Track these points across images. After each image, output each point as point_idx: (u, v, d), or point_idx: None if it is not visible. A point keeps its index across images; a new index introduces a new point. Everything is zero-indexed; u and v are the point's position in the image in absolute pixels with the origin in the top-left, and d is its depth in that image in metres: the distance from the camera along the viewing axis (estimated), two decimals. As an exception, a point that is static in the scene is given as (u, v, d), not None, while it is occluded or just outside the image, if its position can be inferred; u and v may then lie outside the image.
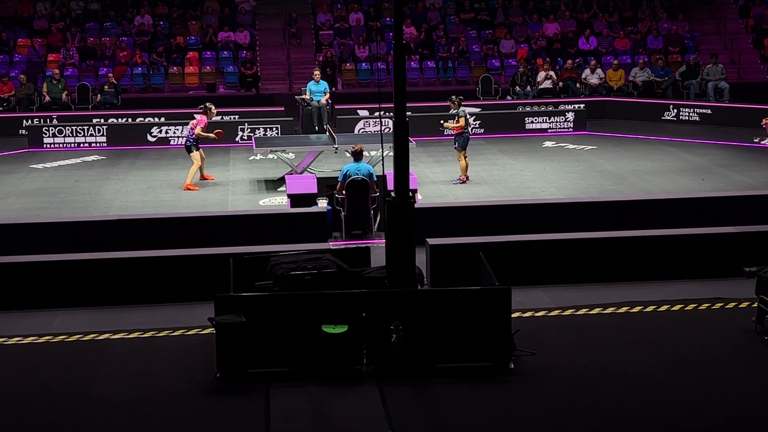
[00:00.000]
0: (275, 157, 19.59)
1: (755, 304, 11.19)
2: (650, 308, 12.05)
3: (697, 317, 11.78)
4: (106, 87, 27.51)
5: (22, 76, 27.78)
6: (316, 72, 25.89)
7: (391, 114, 10.57)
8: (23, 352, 10.95)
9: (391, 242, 10.45)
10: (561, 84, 28.64)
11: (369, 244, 13.80)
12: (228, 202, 17.94)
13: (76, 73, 28.88)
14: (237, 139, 24.44)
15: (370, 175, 15.52)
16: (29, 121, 25.72)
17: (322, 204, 15.82)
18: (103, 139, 24.42)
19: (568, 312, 11.98)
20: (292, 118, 25.42)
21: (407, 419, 9.16)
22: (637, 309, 12.04)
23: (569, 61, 29.29)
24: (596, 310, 12.03)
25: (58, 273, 12.40)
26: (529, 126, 25.52)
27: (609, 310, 12.02)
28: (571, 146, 23.47)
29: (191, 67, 29.56)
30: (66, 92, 27.55)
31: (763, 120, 20.45)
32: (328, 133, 21.32)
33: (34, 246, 13.52)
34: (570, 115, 25.72)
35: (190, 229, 14.41)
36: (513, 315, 10.37)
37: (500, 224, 14.31)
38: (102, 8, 31.28)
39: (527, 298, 12.19)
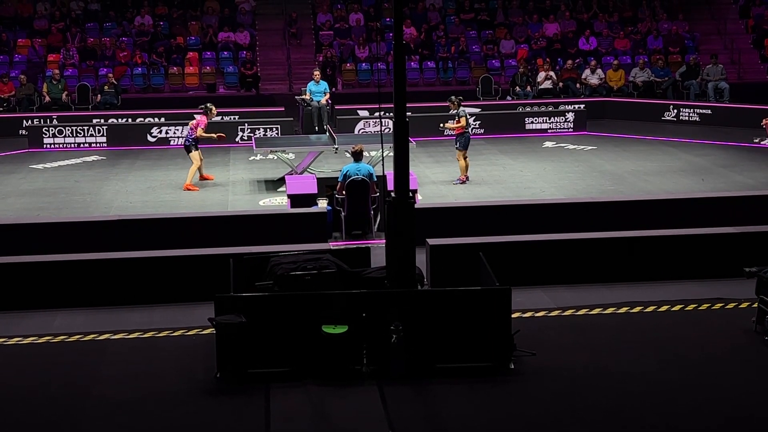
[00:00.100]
0: (275, 157, 19.59)
1: (755, 305, 11.19)
2: (650, 308, 12.06)
3: (697, 317, 11.78)
4: (106, 87, 27.52)
5: (22, 77, 27.79)
6: (316, 72, 25.89)
7: (391, 114, 10.57)
8: (23, 353, 10.95)
9: (391, 242, 10.45)
10: (561, 84, 28.64)
11: (369, 245, 13.80)
12: (228, 203, 17.94)
13: (76, 73, 28.89)
14: (237, 139, 24.44)
15: (370, 175, 15.52)
16: (29, 122, 25.73)
17: (322, 204, 15.82)
18: (103, 139, 24.42)
19: (568, 312, 11.98)
20: (292, 119, 25.42)
21: (407, 419, 9.16)
22: (637, 309, 12.04)
23: (569, 62, 29.31)
24: (596, 311, 12.03)
25: (58, 273, 12.40)
26: (529, 126, 25.52)
27: (609, 311, 12.02)
28: (571, 146, 23.48)
29: (191, 68, 29.57)
30: (66, 92, 27.55)
31: (763, 120, 20.47)
32: (328, 134, 21.32)
33: (35, 246, 13.52)
34: (570, 116, 25.72)
35: (190, 229, 14.42)
36: (513, 315, 10.37)
37: (500, 224, 14.31)
38: (102, 8, 31.29)
39: (527, 298, 12.19)
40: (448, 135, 22.12)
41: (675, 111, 27.04)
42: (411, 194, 10.50)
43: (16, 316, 11.96)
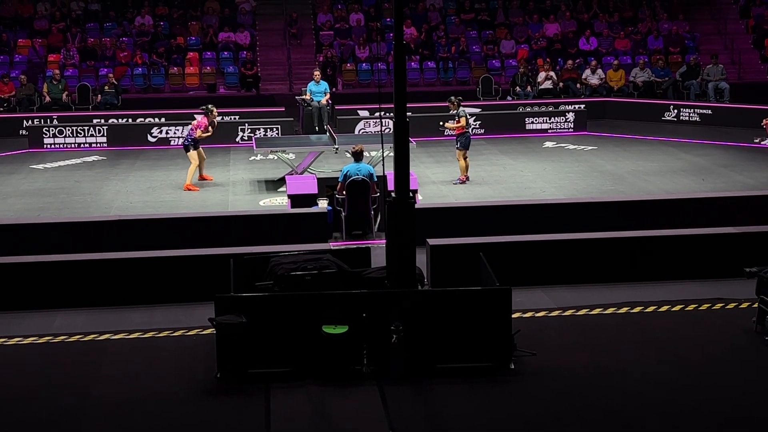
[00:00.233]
0: (275, 157, 19.59)
1: (756, 305, 11.19)
2: (650, 308, 12.05)
3: (697, 317, 11.78)
4: (106, 87, 27.52)
5: (23, 77, 27.79)
6: (317, 72, 25.90)
7: (392, 114, 10.57)
8: (24, 353, 10.95)
9: (392, 242, 10.45)
10: (561, 84, 28.64)
11: (369, 245, 13.80)
12: (228, 203, 17.94)
13: (76, 73, 28.88)
14: (237, 139, 24.44)
15: (371, 175, 15.52)
16: (30, 122, 25.73)
17: (323, 204, 15.83)
18: (104, 139, 24.42)
19: (569, 312, 11.98)
20: (292, 119, 25.42)
21: (408, 419, 9.16)
22: (637, 309, 12.04)
23: (569, 62, 29.30)
24: (596, 311, 12.03)
25: (59, 273, 12.40)
26: (529, 126, 25.51)
27: (609, 311, 12.02)
28: (571, 146, 23.48)
29: (191, 68, 29.57)
30: (66, 93, 27.55)
31: (764, 120, 20.48)
32: (328, 134, 21.33)
33: (35, 246, 13.52)
34: (570, 116, 25.72)
35: (190, 229, 14.42)
36: (513, 315, 10.37)
37: (500, 225, 14.31)
38: (102, 9, 31.28)
39: (527, 298, 12.19)
40: (448, 135, 22.12)
41: (675, 111, 27.04)
42: (411, 194, 10.50)
43: (17, 316, 11.96)
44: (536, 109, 26.66)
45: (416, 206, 10.60)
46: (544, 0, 32.09)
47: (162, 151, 23.58)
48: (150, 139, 24.52)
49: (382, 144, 12.79)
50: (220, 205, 17.65)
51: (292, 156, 19.07)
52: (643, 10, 31.93)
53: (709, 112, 26.65)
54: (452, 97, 19.49)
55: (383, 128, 14.81)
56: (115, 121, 25.76)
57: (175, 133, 24.36)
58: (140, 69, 29.24)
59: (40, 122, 25.61)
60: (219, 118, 20.33)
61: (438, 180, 19.49)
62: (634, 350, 10.71)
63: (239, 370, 9.96)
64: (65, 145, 24.22)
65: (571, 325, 11.57)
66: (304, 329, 9.95)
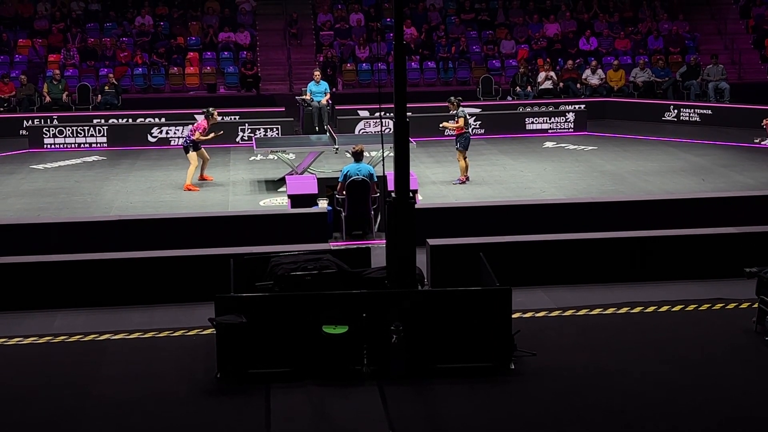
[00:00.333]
0: (276, 157, 19.59)
1: (756, 305, 11.19)
2: (651, 309, 12.05)
3: (697, 318, 11.78)
4: (106, 87, 27.53)
5: (23, 77, 27.79)
6: (317, 72, 25.89)
7: (392, 114, 10.57)
8: (24, 353, 10.95)
9: (392, 243, 10.45)
10: (561, 84, 28.64)
11: (369, 245, 13.80)
12: (228, 203, 17.94)
13: (76, 73, 28.89)
14: (237, 139, 24.44)
15: (371, 175, 15.52)
16: (30, 122, 25.73)
17: (323, 204, 15.83)
18: (104, 139, 24.42)
19: (569, 312, 11.98)
20: (292, 119, 25.42)
21: (408, 420, 9.16)
22: (637, 309, 12.04)
23: (570, 62, 29.31)
24: (596, 311, 12.03)
25: (59, 273, 12.40)
26: (529, 126, 25.51)
27: (609, 311, 12.02)
28: (571, 147, 23.47)
29: (192, 68, 29.58)
30: (66, 93, 27.55)
31: (764, 120, 20.49)
32: (328, 134, 21.33)
33: (35, 246, 13.53)
34: (570, 116, 25.72)
35: (190, 229, 14.42)
36: (513, 315, 10.37)
37: (501, 225, 14.31)
38: (102, 9, 31.29)
39: (528, 298, 12.19)
40: (448, 135, 22.11)
41: (675, 111, 27.03)
42: (411, 194, 10.50)
43: (17, 317, 11.96)
44: (536, 109, 26.65)
45: (416, 206, 10.60)
46: (545, 0, 32.09)
47: (162, 151, 23.58)
48: (150, 139, 24.52)
49: (382, 144, 12.78)
50: (221, 205, 17.65)
51: (292, 156, 19.07)
52: (644, 10, 31.94)
53: (710, 112, 26.65)
54: (452, 98, 19.49)
55: (383, 128, 14.83)
56: (116, 121, 25.76)
57: (175, 133, 24.36)
58: (140, 69, 29.24)
59: (41, 122, 25.61)
60: (219, 119, 20.30)
61: (438, 180, 19.49)
62: (634, 350, 10.71)
63: (239, 370, 9.96)
64: (65, 145, 24.22)
65: (571, 325, 11.57)
66: (304, 329, 9.95)
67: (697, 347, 10.80)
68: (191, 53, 29.95)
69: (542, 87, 28.36)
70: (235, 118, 25.31)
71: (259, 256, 11.26)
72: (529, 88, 28.24)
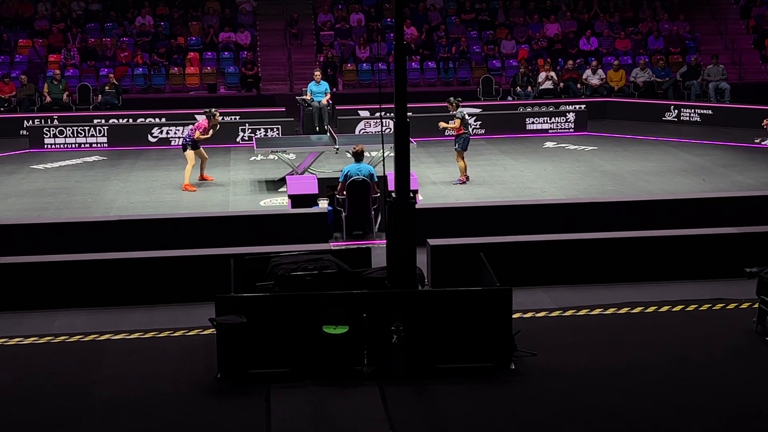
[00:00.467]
0: (276, 157, 19.60)
1: (756, 305, 11.19)
2: (651, 309, 12.05)
3: (697, 318, 11.78)
4: (107, 87, 27.53)
5: (23, 77, 27.79)
6: (317, 72, 25.89)
7: (392, 114, 10.58)
8: (24, 353, 10.95)
9: (392, 243, 10.45)
10: (562, 84, 28.64)
11: (370, 245, 13.81)
12: (229, 203, 17.95)
13: (77, 73, 28.89)
14: (238, 139, 24.45)
15: (371, 175, 15.52)
16: (30, 122, 25.73)
17: (323, 204, 15.83)
18: (104, 139, 24.43)
19: (569, 313, 11.98)
20: (293, 119, 25.43)
21: (408, 420, 9.16)
22: (637, 310, 12.04)
23: (570, 62, 29.30)
24: (597, 311, 12.03)
25: (59, 273, 12.41)
26: (529, 126, 25.51)
27: (610, 311, 12.02)
28: (571, 147, 23.48)
29: (192, 68, 29.57)
30: (67, 93, 27.55)
31: (764, 120, 20.46)
32: (328, 134, 21.33)
33: (35, 246, 13.53)
34: (571, 116, 25.72)
35: (191, 229, 14.42)
36: (514, 315, 10.37)
37: (501, 225, 14.31)
38: (103, 9, 31.28)
39: (528, 298, 12.19)
40: (448, 135, 22.11)
41: (676, 111, 27.03)
42: (412, 194, 10.50)
43: (17, 317, 11.97)
44: (537, 109, 26.65)
45: (416, 206, 10.60)
46: (545, 0, 32.09)
47: (162, 152, 23.58)
48: (150, 139, 24.52)
49: (383, 144, 12.77)
50: (221, 205, 17.65)
51: (292, 156, 19.07)
52: (644, 10, 31.94)
53: (710, 112, 26.64)
54: (451, 98, 19.50)
55: (384, 128, 14.83)
56: (116, 121, 25.76)
57: (175, 133, 24.36)
58: (141, 69, 29.24)
59: (41, 122, 25.62)
60: (221, 119, 20.31)
61: (438, 180, 19.49)
62: (634, 350, 10.71)
63: (240, 370, 9.96)
64: (66, 145, 24.23)
65: (571, 326, 11.57)
66: (305, 329, 9.95)
67: (697, 347, 10.80)
68: (192, 53, 29.95)
69: (543, 87, 28.36)
70: (235, 118, 25.31)
71: (260, 257, 11.26)
72: (529, 88, 28.24)
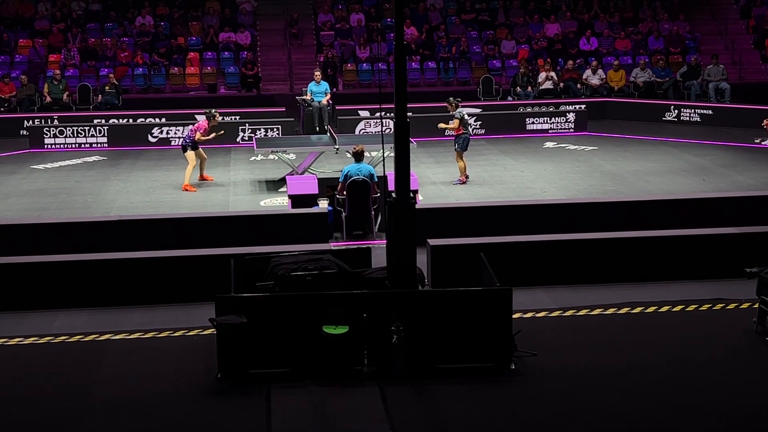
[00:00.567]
0: (276, 157, 19.60)
1: (756, 305, 11.19)
2: (651, 309, 12.05)
3: (698, 318, 11.78)
4: (107, 87, 27.53)
5: (23, 77, 27.79)
6: (317, 72, 25.89)
7: (392, 115, 10.58)
8: (24, 353, 10.95)
9: (392, 243, 10.45)
10: (562, 85, 28.64)
11: (370, 245, 13.80)
12: (229, 203, 17.95)
13: (77, 73, 28.89)
14: (238, 139, 24.45)
15: (371, 175, 15.52)
16: (30, 122, 25.74)
17: (323, 205, 15.83)
18: (104, 139, 24.43)
19: (569, 313, 11.98)
20: (293, 119, 25.43)
21: (408, 420, 9.16)
22: (638, 310, 12.04)
23: (570, 62, 29.30)
24: (597, 311, 12.03)
25: (59, 273, 12.41)
26: (530, 127, 25.51)
27: (610, 311, 12.02)
28: (572, 147, 23.48)
29: (192, 68, 29.58)
30: (67, 93, 27.55)
31: (764, 121, 20.45)
32: (329, 134, 21.33)
33: (36, 246, 13.53)
34: (571, 116, 25.72)
35: (191, 229, 14.43)
36: (514, 316, 10.37)
37: (501, 225, 14.31)
38: (103, 9, 31.29)
39: (528, 298, 12.19)
40: (448, 135, 22.11)
41: (676, 111, 27.03)
42: (412, 195, 10.50)
43: (17, 317, 11.97)
44: (537, 109, 26.65)
45: (416, 206, 10.60)
46: (545, 0, 32.09)
47: (163, 152, 23.58)
48: (151, 139, 24.52)
49: (383, 144, 12.78)
50: (221, 206, 17.65)
51: (292, 156, 19.07)
52: (644, 10, 31.94)
53: (710, 112, 26.65)
54: (451, 98, 19.49)
55: (384, 128, 14.83)
56: (116, 121, 25.77)
57: (175, 133, 24.37)
58: (141, 69, 29.24)
59: (41, 122, 25.62)
60: (221, 119, 20.31)
61: (438, 180, 19.49)
62: (634, 350, 10.71)
63: (240, 370, 9.96)
64: (66, 146, 24.23)
65: (571, 326, 11.57)
66: (305, 330, 9.95)
67: (697, 347, 10.80)
68: (192, 53, 29.95)
69: (543, 87, 28.36)
70: (235, 119, 25.31)
71: (260, 257, 11.26)
72: (529, 89, 28.24)
